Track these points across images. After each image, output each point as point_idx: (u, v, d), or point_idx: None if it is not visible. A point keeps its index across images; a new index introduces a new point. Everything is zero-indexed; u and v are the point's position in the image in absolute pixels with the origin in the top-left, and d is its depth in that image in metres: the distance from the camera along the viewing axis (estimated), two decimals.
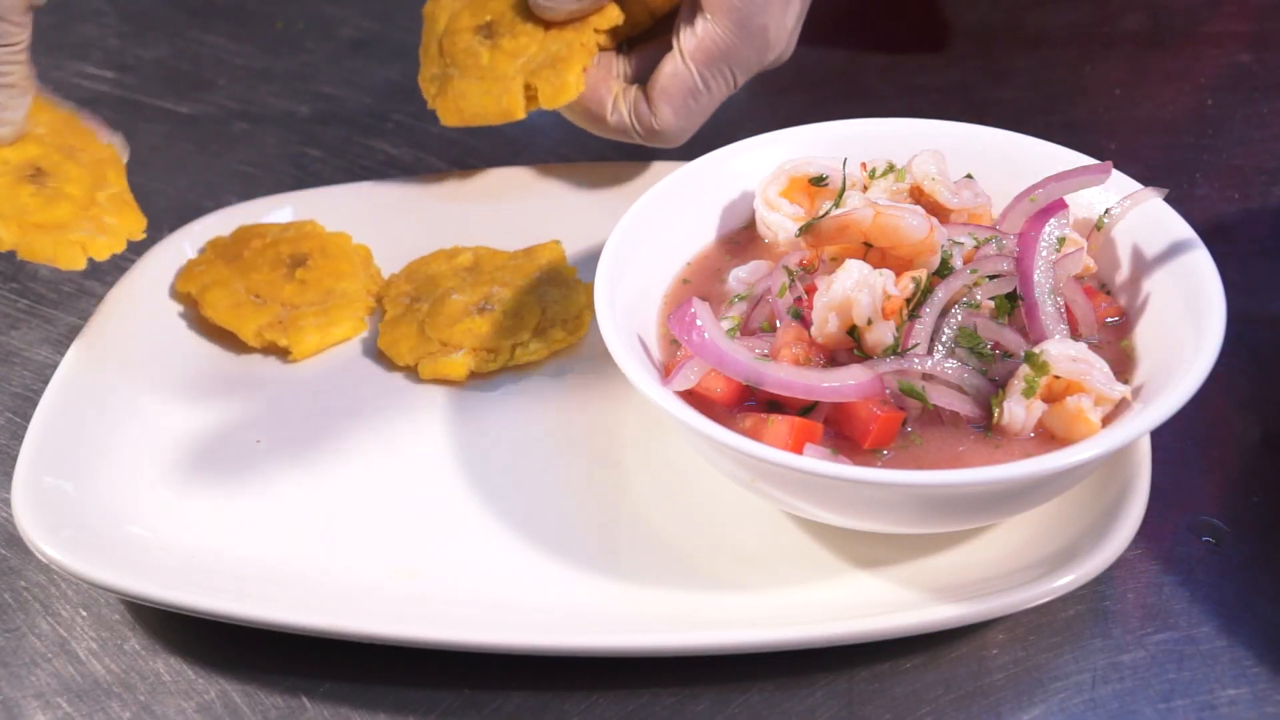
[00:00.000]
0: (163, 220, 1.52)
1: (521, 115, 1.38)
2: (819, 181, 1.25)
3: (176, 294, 1.37)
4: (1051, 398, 1.09)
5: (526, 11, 1.40)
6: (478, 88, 1.38)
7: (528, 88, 1.38)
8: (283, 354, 1.34)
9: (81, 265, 1.21)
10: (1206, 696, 1.07)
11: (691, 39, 1.36)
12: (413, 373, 1.33)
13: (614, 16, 1.39)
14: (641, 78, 1.41)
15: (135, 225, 1.26)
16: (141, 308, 1.36)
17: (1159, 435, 1.16)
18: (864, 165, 1.24)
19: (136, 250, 1.45)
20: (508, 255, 1.40)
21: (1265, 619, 1.12)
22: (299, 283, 1.37)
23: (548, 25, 1.39)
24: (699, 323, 1.10)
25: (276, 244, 1.39)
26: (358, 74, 1.75)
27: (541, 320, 1.33)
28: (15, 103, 1.23)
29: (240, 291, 1.35)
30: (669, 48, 1.39)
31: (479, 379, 1.32)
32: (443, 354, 1.31)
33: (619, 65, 1.41)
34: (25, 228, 1.20)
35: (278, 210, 1.45)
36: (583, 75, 1.37)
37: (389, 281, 1.40)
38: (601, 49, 1.40)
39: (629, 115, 1.39)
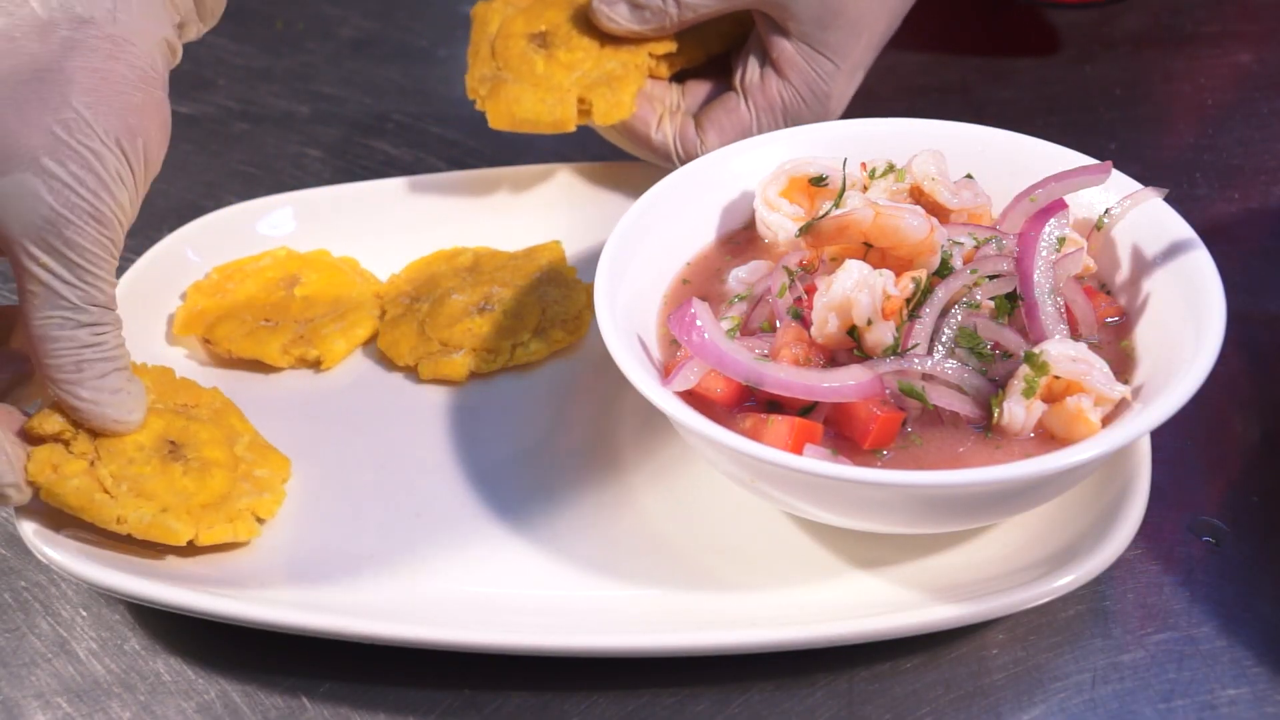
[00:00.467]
0: (163, 220, 1.52)
1: (573, 127, 1.38)
2: (819, 181, 1.25)
3: (177, 339, 1.36)
4: (1051, 398, 1.09)
5: (583, 26, 1.40)
6: (533, 94, 1.38)
7: (581, 101, 1.38)
8: (314, 366, 1.34)
9: (258, 533, 1.17)
10: (1206, 696, 1.07)
11: (756, 86, 1.38)
12: (413, 373, 1.33)
13: (670, 45, 1.40)
14: (689, 109, 1.42)
15: (282, 467, 1.22)
16: (142, 308, 1.36)
17: (1159, 435, 1.16)
18: (864, 165, 1.24)
19: (136, 250, 1.45)
20: (508, 255, 1.40)
21: (1265, 619, 1.12)
22: (302, 299, 1.36)
23: (604, 42, 1.40)
24: (699, 323, 1.10)
25: (262, 271, 1.38)
26: (358, 74, 1.75)
27: (541, 320, 1.33)
28: (135, 385, 1.14)
29: (249, 320, 1.34)
30: (719, 85, 1.42)
31: (479, 379, 1.32)
32: (443, 354, 1.31)
33: (668, 93, 1.43)
34: (195, 514, 1.13)
35: (278, 210, 1.45)
36: (636, 96, 1.38)
37: (390, 282, 1.40)
38: (653, 77, 1.41)
39: (673, 138, 1.40)
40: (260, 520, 1.18)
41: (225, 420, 1.23)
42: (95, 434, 1.13)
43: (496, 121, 1.39)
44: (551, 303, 1.34)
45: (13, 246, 1.07)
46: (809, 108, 1.39)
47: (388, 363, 1.34)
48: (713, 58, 1.45)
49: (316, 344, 1.33)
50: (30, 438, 1.13)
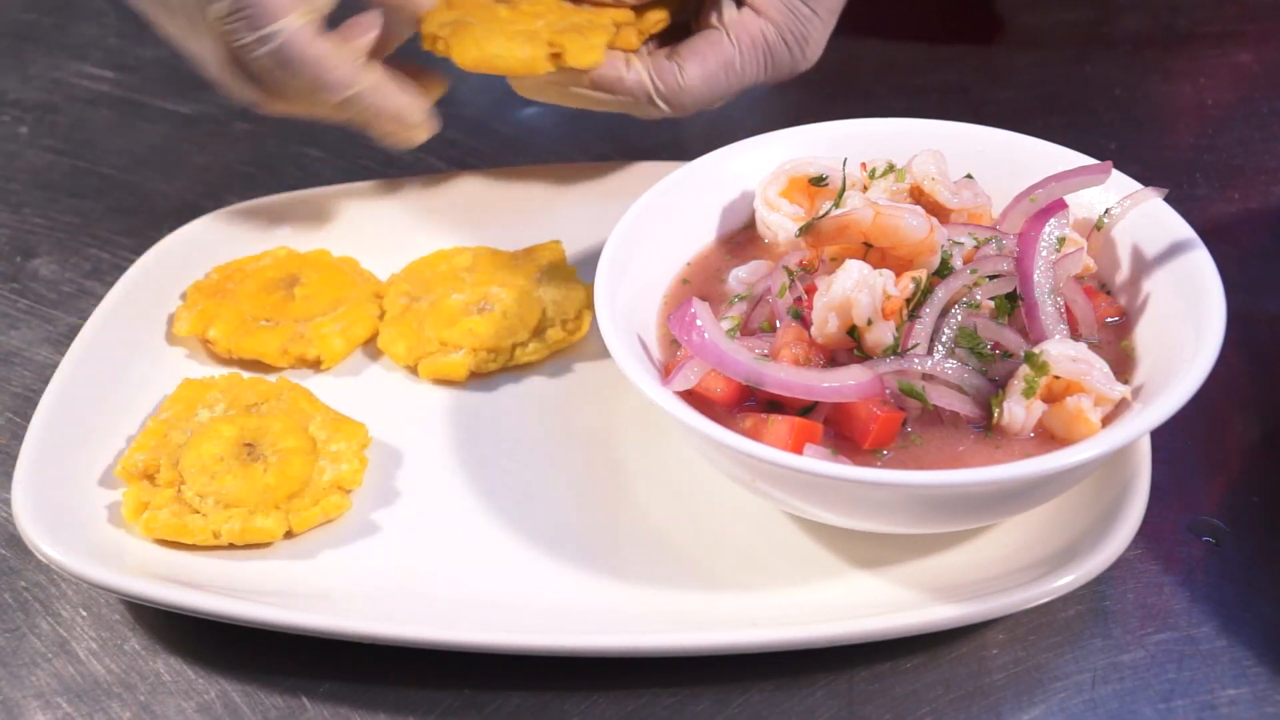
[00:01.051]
0: (163, 220, 1.52)
1: (543, 70, 1.32)
2: (819, 181, 1.25)
3: (177, 339, 1.36)
4: (1051, 398, 1.09)
5: None
6: (500, 33, 1.33)
7: (551, 44, 1.33)
8: (313, 365, 1.34)
9: (349, 505, 1.20)
10: (1206, 696, 1.07)
11: (736, 22, 1.35)
12: (412, 372, 1.33)
13: (628, 13, 1.36)
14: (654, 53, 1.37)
15: (357, 434, 1.24)
16: (141, 308, 1.36)
17: (1159, 435, 1.16)
18: (864, 165, 1.24)
19: (136, 250, 1.45)
20: (508, 255, 1.40)
21: (1265, 619, 1.12)
22: (302, 299, 1.36)
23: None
24: (699, 323, 1.10)
25: (262, 271, 1.39)
26: None
27: (541, 320, 1.33)
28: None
29: (249, 320, 1.34)
30: (684, 34, 1.36)
31: (479, 379, 1.32)
32: (442, 354, 1.31)
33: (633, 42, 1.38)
34: (283, 507, 1.18)
35: (278, 210, 1.45)
36: (604, 48, 1.34)
37: (390, 281, 1.40)
38: (620, 48, 1.36)
39: (648, 74, 1.34)
40: (347, 491, 1.21)
41: (296, 406, 1.26)
42: (179, 462, 1.20)
43: (463, 58, 1.32)
44: (551, 303, 1.34)
45: None
46: (789, 51, 1.35)
47: (387, 362, 1.34)
48: (675, 24, 1.40)
49: (316, 344, 1.33)
50: (122, 477, 1.20)
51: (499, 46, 1.32)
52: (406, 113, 1.29)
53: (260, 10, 1.21)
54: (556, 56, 1.33)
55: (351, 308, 1.36)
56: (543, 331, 1.33)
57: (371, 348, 1.35)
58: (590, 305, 1.31)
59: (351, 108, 1.26)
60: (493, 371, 1.32)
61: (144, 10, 1.31)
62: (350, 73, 1.25)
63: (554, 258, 1.39)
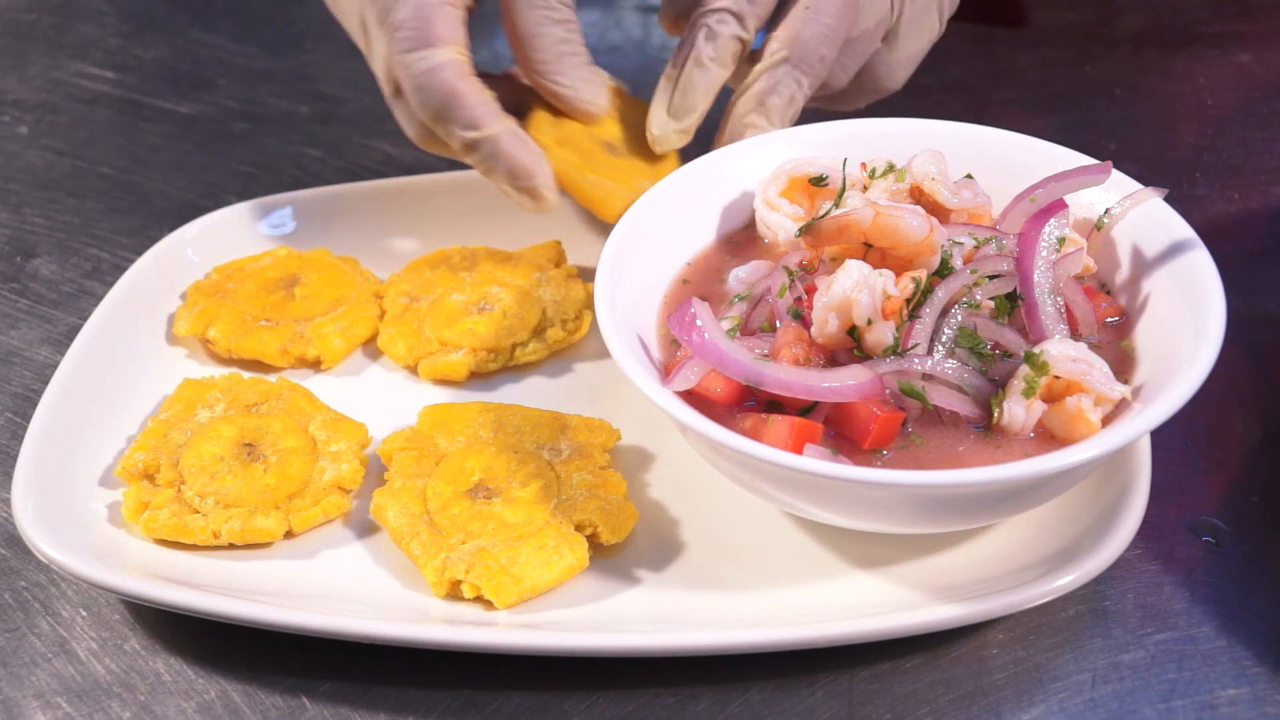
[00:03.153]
0: (163, 220, 1.53)
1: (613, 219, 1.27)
2: (819, 181, 1.25)
3: (177, 339, 1.36)
4: (1051, 398, 1.09)
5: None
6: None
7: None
8: (313, 365, 1.34)
9: (349, 505, 1.20)
10: (1206, 696, 1.07)
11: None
12: (412, 372, 1.33)
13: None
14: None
15: (357, 434, 1.24)
16: (142, 308, 1.36)
17: (1159, 435, 1.16)
18: (864, 165, 1.24)
19: (136, 250, 1.45)
20: (507, 255, 1.40)
21: (1265, 619, 1.12)
22: (302, 299, 1.36)
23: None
24: (699, 323, 1.10)
25: (263, 271, 1.39)
26: (358, 74, 1.75)
27: (541, 320, 1.33)
28: (598, 75, 1.32)
29: (248, 320, 1.34)
30: None
31: (479, 378, 1.32)
32: (442, 354, 1.31)
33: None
34: (283, 507, 1.18)
35: (278, 210, 1.45)
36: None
37: (390, 281, 1.40)
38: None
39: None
40: (347, 491, 1.20)
41: (296, 406, 1.26)
42: (179, 462, 1.20)
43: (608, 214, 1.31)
44: (551, 303, 1.34)
45: None
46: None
47: (387, 362, 1.34)
48: None
49: (316, 344, 1.33)
50: (123, 477, 1.20)
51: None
52: (525, 173, 1.27)
53: (427, 32, 1.26)
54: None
55: (351, 308, 1.36)
56: (543, 331, 1.33)
57: (371, 348, 1.35)
58: (590, 305, 1.31)
59: (477, 151, 1.27)
60: (493, 371, 1.32)
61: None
62: (480, 115, 1.27)
63: (554, 257, 1.40)
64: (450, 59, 1.27)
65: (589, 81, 1.32)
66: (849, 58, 1.34)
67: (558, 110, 1.33)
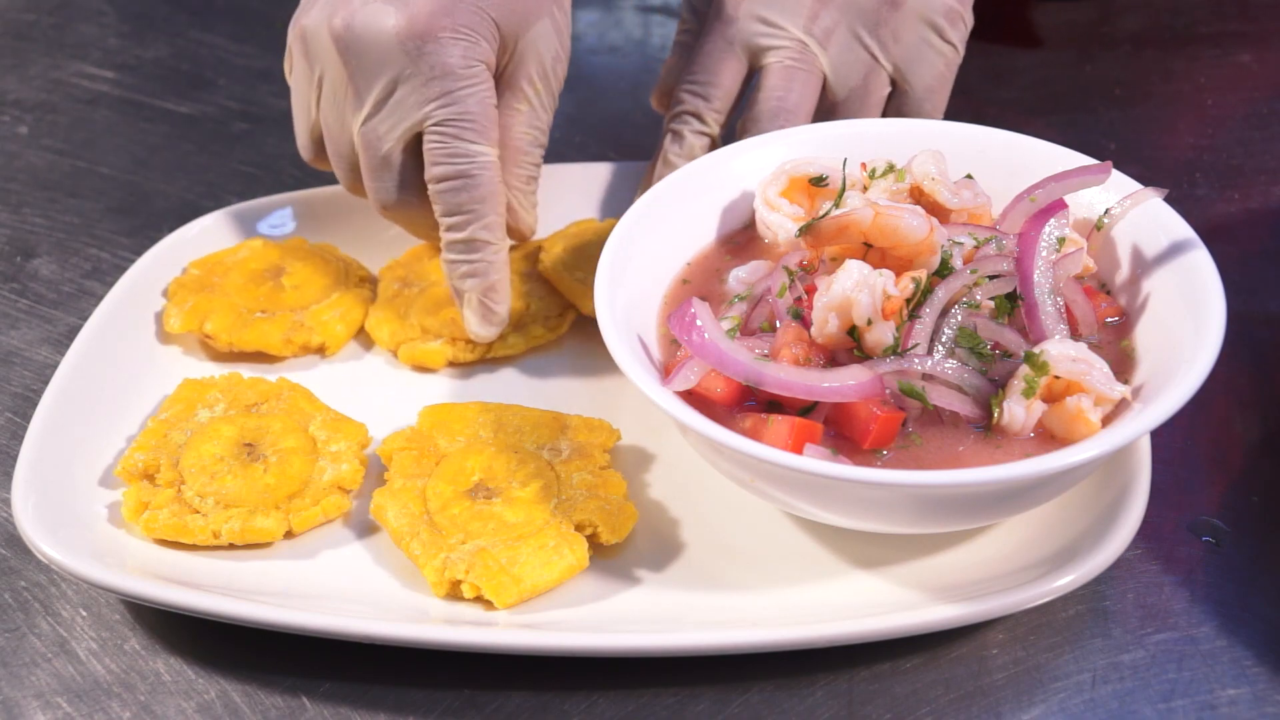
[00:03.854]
0: (163, 220, 1.53)
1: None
2: (819, 181, 1.25)
3: (177, 339, 1.36)
4: (1051, 398, 1.09)
5: None
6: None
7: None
8: (318, 352, 1.34)
9: (349, 505, 1.20)
10: (1206, 696, 1.07)
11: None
12: (394, 356, 1.34)
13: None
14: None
15: (357, 434, 1.24)
16: (141, 308, 1.36)
17: (1159, 435, 1.16)
18: (864, 165, 1.24)
19: (136, 250, 1.45)
20: None
21: (1265, 619, 1.12)
22: (293, 289, 1.37)
23: None
24: (699, 323, 1.10)
25: (243, 264, 1.39)
26: None
27: (524, 316, 1.34)
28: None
29: (243, 312, 1.35)
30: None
31: (456, 368, 1.32)
32: (421, 341, 1.32)
33: None
34: (283, 507, 1.18)
35: (278, 210, 1.45)
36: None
37: (388, 266, 1.40)
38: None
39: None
40: (347, 491, 1.20)
41: (296, 406, 1.26)
42: (179, 462, 1.20)
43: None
44: (536, 299, 1.35)
45: (519, 75, 1.31)
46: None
47: (385, 353, 1.35)
48: None
49: (318, 330, 1.34)
50: (123, 477, 1.20)
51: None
52: (503, 295, 1.29)
53: (490, 131, 1.28)
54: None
55: (345, 294, 1.37)
56: (523, 327, 1.33)
57: (366, 335, 1.36)
58: (573, 304, 1.32)
59: (477, 252, 1.28)
60: (470, 362, 1.32)
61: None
62: (500, 224, 1.29)
63: (548, 256, 1.40)
64: (495, 155, 1.28)
65: (535, 206, 1.37)
66: (850, 116, 1.38)
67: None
